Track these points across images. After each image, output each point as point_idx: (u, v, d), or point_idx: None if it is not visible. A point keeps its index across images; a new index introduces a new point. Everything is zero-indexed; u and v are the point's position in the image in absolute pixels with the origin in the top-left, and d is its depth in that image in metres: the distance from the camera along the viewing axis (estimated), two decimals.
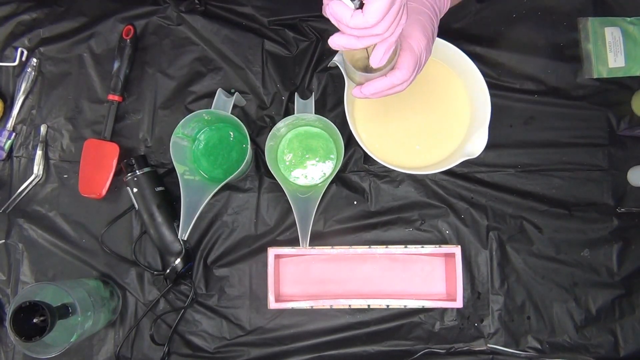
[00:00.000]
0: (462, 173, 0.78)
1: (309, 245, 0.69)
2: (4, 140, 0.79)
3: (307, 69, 0.79)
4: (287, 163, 0.76)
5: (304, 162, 0.75)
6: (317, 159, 0.76)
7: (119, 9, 0.81)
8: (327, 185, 0.72)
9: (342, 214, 0.77)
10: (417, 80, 0.72)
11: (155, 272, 0.76)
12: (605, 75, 0.78)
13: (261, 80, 0.79)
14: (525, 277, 0.76)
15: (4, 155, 0.79)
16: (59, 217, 0.78)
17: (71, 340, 0.64)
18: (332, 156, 0.75)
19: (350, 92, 0.70)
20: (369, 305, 0.73)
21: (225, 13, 0.81)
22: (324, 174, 0.75)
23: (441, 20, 0.79)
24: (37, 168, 0.78)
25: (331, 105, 0.78)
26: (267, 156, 0.70)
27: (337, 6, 0.45)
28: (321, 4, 0.47)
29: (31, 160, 0.79)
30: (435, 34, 0.58)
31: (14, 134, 0.79)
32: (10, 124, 0.80)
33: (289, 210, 0.76)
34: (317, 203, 0.70)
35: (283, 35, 0.79)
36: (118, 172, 0.77)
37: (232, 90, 0.78)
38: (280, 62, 0.79)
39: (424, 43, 0.54)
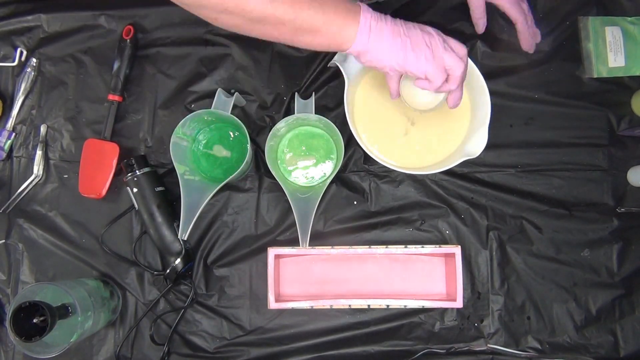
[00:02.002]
0: (462, 173, 0.78)
1: (309, 245, 0.69)
2: (4, 140, 0.79)
3: (315, 70, 0.78)
4: (287, 163, 0.76)
5: (304, 162, 0.75)
6: (317, 159, 0.76)
7: (119, 9, 0.81)
8: (327, 185, 0.72)
9: (342, 214, 0.77)
10: None
11: (155, 272, 0.76)
12: (605, 74, 0.78)
13: (266, 80, 0.79)
14: (525, 277, 0.76)
15: (4, 155, 0.79)
16: (59, 217, 0.78)
17: (71, 340, 0.64)
18: (332, 156, 0.75)
19: (350, 92, 0.70)
20: (369, 305, 0.73)
21: None
22: (324, 174, 0.75)
23: (441, 19, 0.80)
24: (37, 168, 0.78)
25: (331, 106, 0.78)
26: (267, 156, 0.70)
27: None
28: None
29: (31, 160, 0.79)
30: None
31: (13, 134, 0.79)
32: (10, 124, 0.80)
33: (289, 210, 0.76)
34: (317, 203, 0.70)
35: None
36: (118, 172, 0.77)
37: (232, 91, 0.78)
38: (289, 63, 0.79)
39: None
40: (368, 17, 0.55)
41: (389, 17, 0.58)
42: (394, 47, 0.56)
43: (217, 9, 0.51)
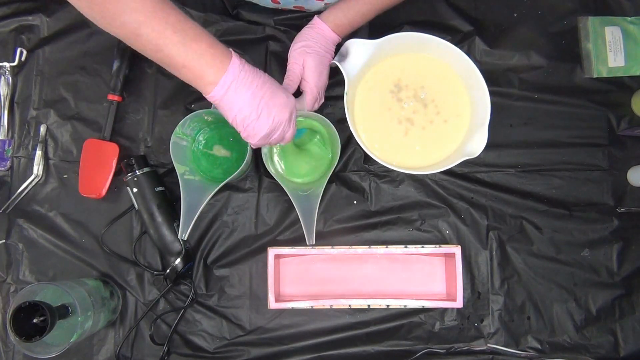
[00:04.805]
0: (462, 173, 0.78)
1: (309, 245, 0.69)
2: (6, 148, 0.79)
3: None
4: (285, 162, 0.76)
5: (302, 160, 0.76)
6: (316, 157, 0.76)
7: None
8: (326, 181, 0.72)
9: (342, 214, 0.77)
10: (417, 80, 0.73)
11: (155, 272, 0.76)
12: (605, 74, 0.78)
13: None
14: (525, 277, 0.76)
15: (8, 164, 0.79)
16: (59, 217, 0.78)
17: (71, 340, 0.64)
18: (330, 152, 0.75)
19: (350, 92, 0.70)
20: (369, 305, 0.73)
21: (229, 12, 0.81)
22: (323, 170, 0.75)
23: (441, 19, 0.80)
24: (37, 168, 0.78)
25: (332, 106, 0.78)
26: (266, 155, 0.71)
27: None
28: None
29: (31, 160, 0.79)
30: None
31: (12, 140, 0.79)
32: (9, 125, 0.80)
33: (288, 210, 0.76)
34: (319, 199, 0.70)
35: (289, 35, 0.79)
36: (118, 172, 0.77)
37: None
38: (284, 62, 0.79)
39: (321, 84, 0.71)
40: (229, 80, 0.56)
41: (258, 79, 0.58)
42: (242, 113, 0.58)
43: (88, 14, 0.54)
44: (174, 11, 0.54)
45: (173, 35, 0.53)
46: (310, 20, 0.72)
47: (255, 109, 0.58)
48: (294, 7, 0.75)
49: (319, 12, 0.73)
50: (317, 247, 0.73)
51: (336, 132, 0.71)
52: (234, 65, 0.56)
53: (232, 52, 0.58)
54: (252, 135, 0.60)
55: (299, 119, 0.74)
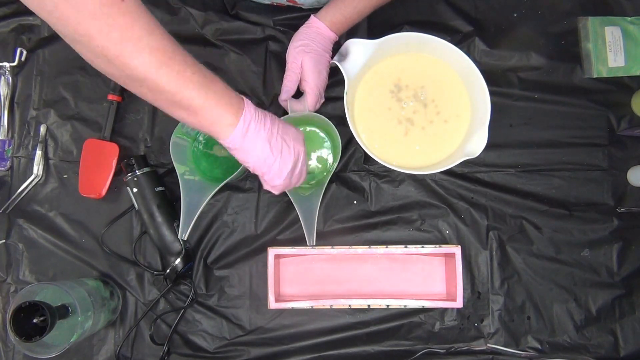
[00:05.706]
0: (462, 173, 0.78)
1: (309, 245, 0.69)
2: (6, 148, 0.79)
3: None
4: None
5: None
6: (316, 157, 0.76)
7: None
8: (327, 182, 0.72)
9: (342, 214, 0.77)
10: (417, 80, 0.73)
11: (155, 272, 0.76)
12: (605, 74, 0.78)
13: (262, 81, 0.79)
14: (525, 277, 0.76)
15: (8, 164, 0.79)
16: (59, 217, 0.78)
17: (71, 340, 0.64)
18: (330, 153, 0.75)
19: (350, 92, 0.70)
20: (369, 305, 0.73)
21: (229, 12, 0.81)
22: (323, 171, 0.75)
23: (441, 19, 0.80)
24: (37, 168, 0.78)
25: (332, 105, 0.78)
26: None
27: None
28: None
29: (31, 160, 0.79)
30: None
31: (12, 140, 0.79)
32: (9, 125, 0.80)
33: (288, 210, 0.76)
34: (320, 200, 0.70)
35: (288, 36, 0.79)
36: (118, 172, 0.77)
37: None
38: (284, 63, 0.79)
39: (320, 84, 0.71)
40: (248, 119, 0.55)
41: (268, 118, 0.58)
42: (263, 153, 0.58)
43: (95, 52, 0.46)
44: (188, 55, 0.51)
45: (192, 77, 0.50)
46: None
47: (276, 146, 0.58)
48: (287, 0, 0.75)
49: (312, 9, 0.73)
50: (317, 247, 0.73)
51: (337, 132, 0.71)
52: (248, 105, 0.56)
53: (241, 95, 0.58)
54: (278, 174, 0.60)
55: (300, 118, 0.74)
